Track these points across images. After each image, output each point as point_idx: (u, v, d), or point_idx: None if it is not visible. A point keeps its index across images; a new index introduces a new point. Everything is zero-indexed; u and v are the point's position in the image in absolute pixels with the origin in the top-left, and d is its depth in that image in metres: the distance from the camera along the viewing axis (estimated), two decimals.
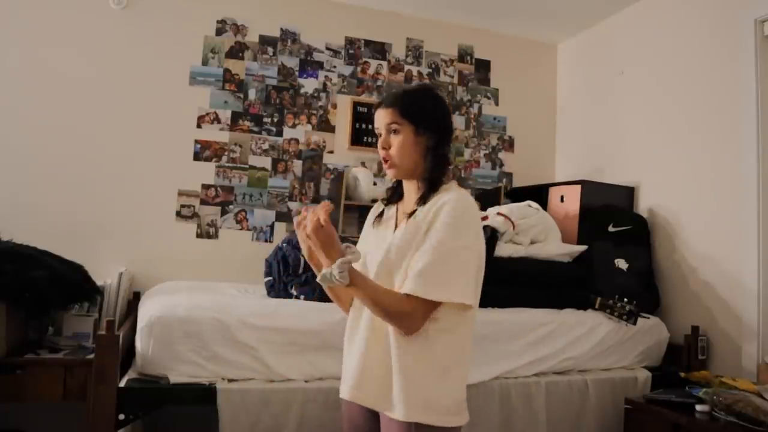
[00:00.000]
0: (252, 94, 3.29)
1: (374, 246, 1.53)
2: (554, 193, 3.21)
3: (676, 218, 2.91)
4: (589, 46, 3.67)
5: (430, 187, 1.46)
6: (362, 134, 3.45)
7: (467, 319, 1.43)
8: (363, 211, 3.37)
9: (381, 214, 1.60)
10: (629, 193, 3.16)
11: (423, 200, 1.45)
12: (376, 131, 1.51)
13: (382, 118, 1.48)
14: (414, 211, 1.45)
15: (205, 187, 3.18)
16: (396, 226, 1.51)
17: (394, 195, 1.59)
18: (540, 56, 3.93)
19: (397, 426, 1.37)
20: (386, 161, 1.48)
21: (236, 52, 3.29)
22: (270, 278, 2.54)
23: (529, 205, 2.98)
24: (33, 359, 2.06)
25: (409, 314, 1.35)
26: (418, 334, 1.37)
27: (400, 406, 1.36)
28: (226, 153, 3.22)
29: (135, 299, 2.81)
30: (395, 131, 1.46)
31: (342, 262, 1.28)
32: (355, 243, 1.46)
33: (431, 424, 1.36)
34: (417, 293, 1.33)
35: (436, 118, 1.48)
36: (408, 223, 1.45)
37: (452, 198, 1.40)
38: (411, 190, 1.52)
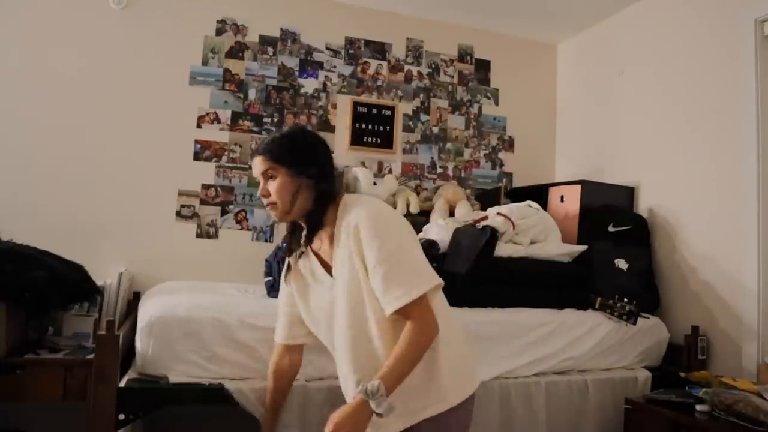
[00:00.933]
0: (252, 94, 3.29)
1: (319, 296, 1.59)
2: (554, 193, 3.21)
3: (676, 218, 2.91)
4: (589, 46, 3.67)
5: (315, 227, 1.53)
6: (362, 134, 3.45)
7: (435, 300, 1.49)
8: None
9: (289, 268, 1.65)
10: (629, 193, 3.16)
11: (310, 236, 1.54)
12: (257, 178, 1.56)
13: (257, 167, 1.54)
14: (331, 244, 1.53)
15: (205, 187, 3.18)
16: (331, 272, 1.56)
17: (296, 243, 1.62)
18: (540, 56, 3.93)
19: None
20: (269, 206, 1.54)
21: (236, 52, 3.29)
22: (270, 278, 2.54)
23: (529, 205, 2.98)
24: (33, 359, 2.05)
25: (420, 327, 1.39)
26: (389, 340, 1.43)
27: (412, 413, 1.46)
28: (226, 153, 3.22)
29: (135, 299, 2.81)
30: (272, 177, 1.51)
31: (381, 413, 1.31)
32: None
33: (444, 409, 1.45)
34: (404, 302, 1.38)
35: (308, 159, 1.52)
36: (337, 263, 1.50)
37: (357, 214, 1.45)
38: (319, 235, 1.58)
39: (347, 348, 1.52)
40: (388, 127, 3.50)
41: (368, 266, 1.42)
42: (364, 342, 1.49)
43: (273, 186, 1.51)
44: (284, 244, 1.66)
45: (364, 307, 1.47)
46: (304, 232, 1.59)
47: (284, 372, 1.79)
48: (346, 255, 1.47)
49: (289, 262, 1.65)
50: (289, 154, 1.51)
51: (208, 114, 3.21)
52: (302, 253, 1.62)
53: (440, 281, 1.43)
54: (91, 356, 1.97)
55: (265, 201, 1.54)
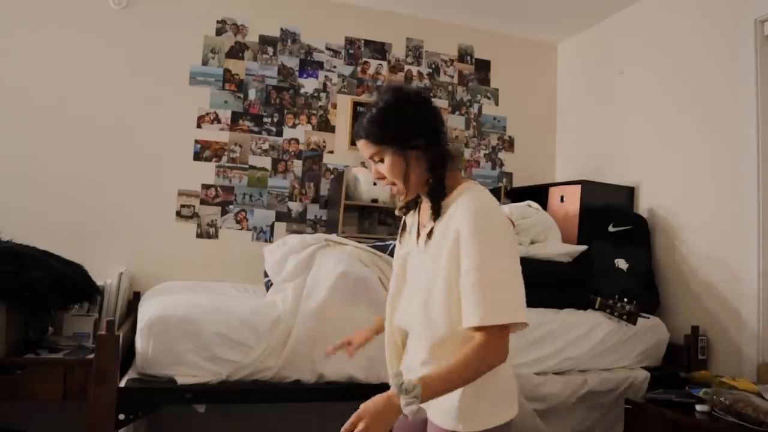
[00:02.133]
0: (252, 94, 3.29)
1: (399, 258, 1.52)
2: (554, 193, 3.21)
3: (676, 218, 2.91)
4: (589, 46, 3.67)
5: (437, 198, 1.38)
6: None
7: None
8: (363, 211, 3.37)
9: (404, 227, 1.56)
10: (629, 193, 3.16)
11: (436, 214, 1.38)
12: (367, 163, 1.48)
13: (363, 151, 1.43)
14: (431, 230, 1.39)
15: (205, 187, 3.18)
16: (418, 237, 1.46)
17: (409, 203, 1.52)
18: (540, 56, 3.93)
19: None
20: (389, 188, 1.44)
21: (236, 52, 3.29)
22: (269, 279, 2.54)
23: (529, 205, 2.98)
24: (33, 359, 2.05)
25: (490, 350, 1.29)
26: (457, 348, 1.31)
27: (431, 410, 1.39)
28: (226, 153, 3.22)
29: (135, 299, 2.81)
30: (379, 160, 1.40)
31: (406, 406, 1.18)
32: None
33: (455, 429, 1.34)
34: (488, 322, 1.27)
35: (409, 128, 1.38)
36: (428, 244, 1.39)
37: (467, 205, 1.32)
38: (425, 201, 1.47)
39: (405, 307, 1.46)
40: None
41: (462, 268, 1.30)
42: (425, 322, 1.39)
43: (384, 167, 1.40)
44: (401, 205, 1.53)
45: (434, 297, 1.37)
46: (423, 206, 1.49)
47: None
48: (436, 244, 1.37)
49: (404, 219, 1.56)
50: (390, 132, 1.38)
51: (208, 114, 3.21)
52: (409, 211, 1.54)
53: (527, 321, 1.32)
54: (91, 356, 1.97)
55: (383, 182, 1.43)
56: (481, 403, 1.35)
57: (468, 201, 1.33)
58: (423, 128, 1.40)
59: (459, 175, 1.43)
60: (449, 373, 1.24)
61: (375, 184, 3.23)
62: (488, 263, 1.29)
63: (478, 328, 1.28)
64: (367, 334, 1.67)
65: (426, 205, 1.45)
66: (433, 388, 1.21)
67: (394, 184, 1.41)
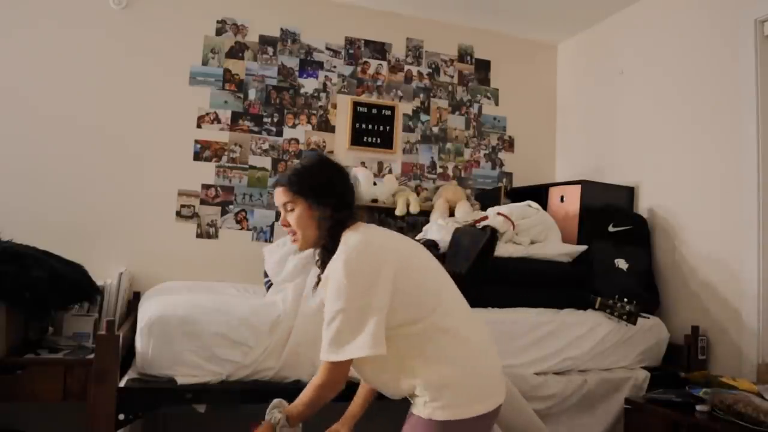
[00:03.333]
0: (252, 94, 3.29)
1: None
2: (554, 193, 3.21)
3: (676, 218, 2.91)
4: (589, 46, 3.67)
5: (329, 254, 1.52)
6: (362, 134, 3.44)
7: (426, 326, 1.48)
8: (363, 211, 3.37)
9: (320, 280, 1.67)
10: (629, 193, 3.16)
11: (324, 265, 1.55)
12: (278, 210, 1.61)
13: (277, 198, 1.60)
14: (318, 281, 1.59)
15: (205, 187, 3.18)
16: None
17: (324, 259, 1.62)
18: (540, 56, 3.93)
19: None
20: (291, 236, 1.60)
21: (236, 52, 3.29)
22: (269, 279, 2.54)
23: (529, 205, 2.98)
24: (33, 359, 2.05)
25: (328, 382, 1.48)
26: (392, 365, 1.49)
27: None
28: (226, 153, 3.22)
29: (135, 299, 2.81)
30: (290, 209, 1.57)
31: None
32: None
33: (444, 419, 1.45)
34: (328, 359, 1.44)
35: (326, 191, 1.55)
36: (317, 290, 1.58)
37: (338, 256, 1.46)
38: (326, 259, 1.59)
39: None
40: (388, 127, 3.50)
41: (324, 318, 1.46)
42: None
43: (292, 217, 1.56)
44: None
45: None
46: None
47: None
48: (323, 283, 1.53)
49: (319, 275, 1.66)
50: (308, 186, 1.55)
51: (208, 114, 3.21)
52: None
53: (361, 354, 1.40)
54: (91, 356, 1.97)
55: (285, 229, 1.60)
56: (451, 397, 1.46)
57: (338, 254, 1.47)
58: (335, 191, 1.57)
59: (357, 224, 1.56)
60: (303, 403, 1.51)
61: (375, 184, 3.23)
62: (332, 305, 1.44)
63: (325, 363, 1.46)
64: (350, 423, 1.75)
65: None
66: (295, 415, 1.51)
67: (295, 233, 1.57)
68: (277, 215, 3.25)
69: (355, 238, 1.49)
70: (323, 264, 1.57)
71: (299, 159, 1.51)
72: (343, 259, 1.45)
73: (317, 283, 1.61)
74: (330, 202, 1.54)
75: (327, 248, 1.55)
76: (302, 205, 1.55)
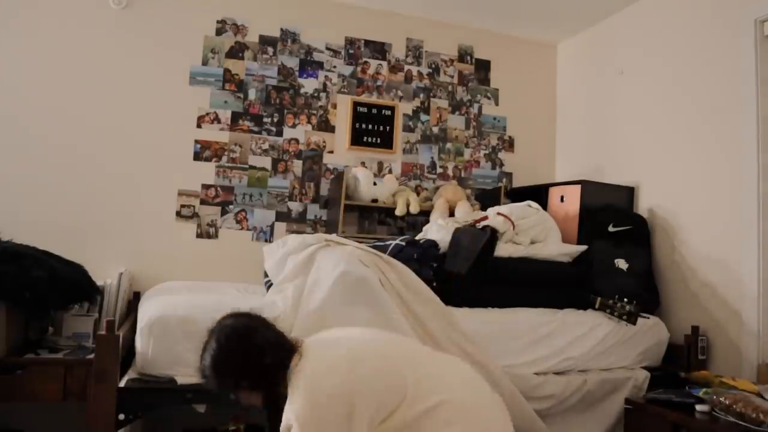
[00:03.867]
0: (252, 94, 3.29)
1: None
2: (554, 193, 3.21)
3: (676, 218, 2.91)
4: (589, 46, 3.67)
5: (277, 411, 1.51)
6: (362, 134, 3.44)
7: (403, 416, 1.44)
8: (363, 211, 3.37)
9: None
10: (629, 193, 3.16)
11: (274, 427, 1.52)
12: None
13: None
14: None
15: (205, 187, 3.18)
16: None
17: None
18: (540, 56, 3.93)
19: None
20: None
21: (236, 52, 3.29)
22: (269, 279, 2.54)
23: (529, 205, 2.98)
24: (33, 359, 2.06)
25: None
26: None
27: None
28: (226, 153, 3.22)
29: (135, 299, 2.81)
30: (236, 399, 1.57)
31: None
32: None
33: None
34: None
35: (235, 374, 1.53)
36: None
37: (293, 405, 1.43)
38: None
39: None
40: (388, 127, 3.50)
41: None
42: None
43: (241, 398, 1.57)
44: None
45: None
46: None
47: None
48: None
49: None
50: (222, 382, 1.54)
51: (208, 114, 3.21)
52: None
53: None
54: (91, 356, 1.97)
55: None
56: None
57: (292, 397, 1.45)
58: (243, 373, 1.53)
59: (294, 360, 1.52)
60: None
61: (375, 184, 3.23)
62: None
63: None
64: None
65: None
66: None
67: (254, 407, 1.57)
68: (279, 216, 3.27)
69: (307, 389, 1.44)
70: (273, 404, 1.55)
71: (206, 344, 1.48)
72: (299, 393, 1.43)
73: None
74: (246, 384, 1.53)
75: (278, 398, 1.52)
76: (239, 390, 1.55)
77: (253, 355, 1.53)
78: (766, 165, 2.50)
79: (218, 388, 1.56)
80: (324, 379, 1.45)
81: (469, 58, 3.77)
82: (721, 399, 2.03)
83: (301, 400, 1.42)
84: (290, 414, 1.43)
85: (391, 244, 2.53)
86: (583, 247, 2.82)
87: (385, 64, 3.57)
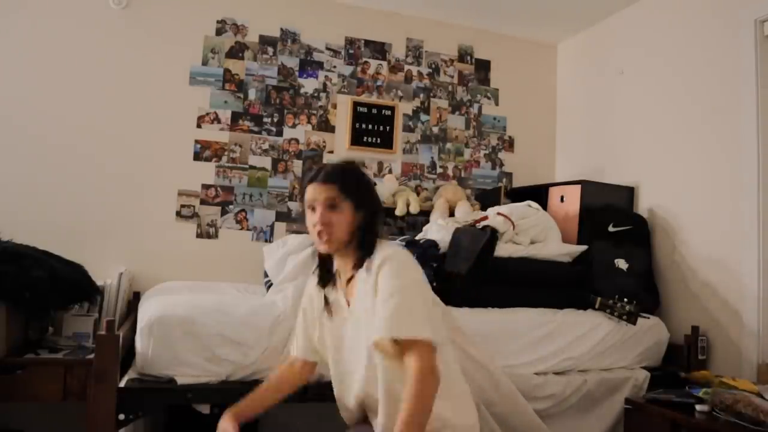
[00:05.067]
0: (252, 94, 3.29)
1: (335, 327, 1.60)
2: (554, 193, 3.21)
3: (676, 218, 2.91)
4: (589, 46, 3.67)
5: (364, 257, 1.53)
6: (362, 134, 3.44)
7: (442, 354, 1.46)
8: None
9: (327, 300, 1.64)
10: (629, 193, 3.16)
11: (360, 266, 1.53)
12: (308, 204, 1.54)
13: (320, 193, 1.51)
14: (352, 277, 1.55)
15: (205, 187, 3.18)
16: (348, 302, 1.58)
17: (327, 276, 1.64)
18: (540, 56, 3.93)
19: None
20: (323, 235, 1.50)
21: (236, 52, 3.29)
22: (269, 279, 2.54)
23: (529, 205, 2.98)
24: (33, 359, 2.06)
25: (428, 373, 1.35)
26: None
27: None
28: (226, 153, 3.22)
29: (135, 299, 2.81)
30: (334, 207, 1.51)
31: None
32: None
33: None
34: (412, 335, 1.37)
35: (370, 197, 1.58)
36: (363, 290, 1.51)
37: (386, 255, 1.48)
38: (345, 261, 1.58)
39: (357, 378, 1.53)
40: (388, 127, 3.50)
41: (381, 298, 1.42)
42: (373, 375, 1.49)
43: (333, 215, 1.50)
44: (318, 280, 1.66)
45: (378, 349, 1.46)
46: (335, 265, 1.62)
47: (287, 379, 1.71)
48: (368, 290, 1.49)
49: (323, 293, 1.64)
50: (356, 189, 1.54)
51: (208, 114, 3.21)
52: (331, 283, 1.64)
53: (440, 342, 1.41)
54: (91, 356, 1.97)
55: (318, 227, 1.51)
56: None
57: (385, 255, 1.49)
58: (374, 201, 1.60)
59: (381, 241, 1.58)
60: (415, 412, 1.29)
61: (375, 184, 3.22)
62: (404, 288, 1.43)
63: (403, 343, 1.38)
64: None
65: (346, 268, 1.58)
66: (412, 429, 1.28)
67: (330, 233, 1.50)
68: (279, 216, 3.26)
69: (399, 249, 1.53)
70: (359, 262, 1.53)
71: (324, 162, 1.45)
72: (399, 259, 1.48)
73: (328, 307, 1.60)
74: (370, 209, 1.55)
75: (363, 254, 1.53)
76: (347, 205, 1.52)
77: (376, 195, 1.63)
78: (766, 165, 2.50)
79: (332, 180, 1.52)
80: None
81: (469, 58, 3.77)
82: (721, 399, 2.03)
83: (403, 264, 1.48)
84: (389, 281, 1.43)
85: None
86: (583, 247, 2.82)
87: (385, 64, 3.57)
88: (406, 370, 1.35)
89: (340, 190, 1.51)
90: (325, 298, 1.63)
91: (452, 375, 1.55)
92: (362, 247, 1.53)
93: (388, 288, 1.42)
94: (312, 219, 1.52)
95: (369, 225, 1.54)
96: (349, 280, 1.56)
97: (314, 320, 1.67)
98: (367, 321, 1.47)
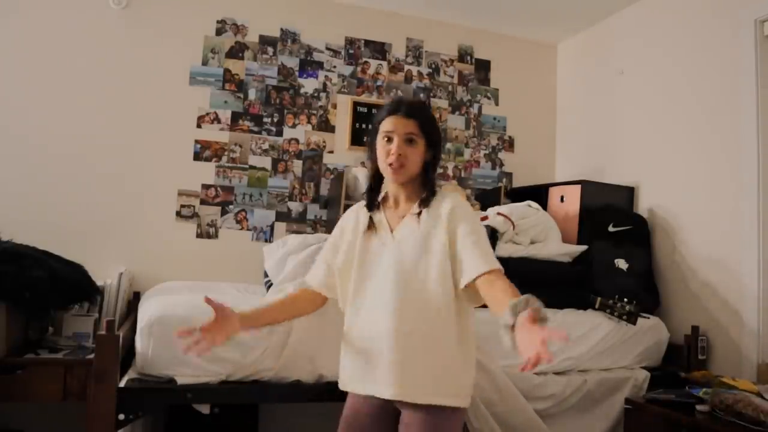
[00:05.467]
0: (252, 94, 3.29)
1: (370, 249, 1.67)
2: (554, 193, 3.21)
3: (676, 218, 2.91)
4: (589, 46, 3.67)
5: (431, 193, 1.64)
6: (362, 134, 3.45)
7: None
8: None
9: (370, 221, 1.71)
10: (629, 193, 3.16)
11: (426, 203, 1.62)
12: (386, 134, 1.62)
13: (401, 126, 1.60)
14: (419, 212, 1.62)
15: (205, 187, 3.18)
16: (392, 229, 1.66)
17: (372, 203, 1.72)
18: (540, 56, 3.93)
19: (422, 411, 1.53)
20: (394, 165, 1.59)
21: (236, 52, 3.29)
22: (269, 279, 2.53)
23: (529, 205, 2.98)
24: (33, 359, 2.05)
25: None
26: (454, 322, 1.58)
27: (430, 392, 1.53)
28: (226, 153, 3.22)
29: (135, 299, 2.81)
30: (411, 141, 1.60)
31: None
32: None
33: (456, 405, 1.57)
34: (493, 266, 1.51)
35: (439, 139, 1.69)
36: (417, 222, 1.61)
37: (455, 203, 1.61)
38: (403, 193, 1.67)
39: (386, 310, 1.58)
40: None
41: (459, 236, 1.55)
42: (403, 306, 1.57)
43: (410, 150, 1.60)
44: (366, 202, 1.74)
45: (423, 274, 1.57)
46: (390, 194, 1.71)
47: (297, 304, 1.79)
48: (426, 222, 1.60)
49: (370, 215, 1.71)
50: (432, 129, 1.65)
51: (208, 114, 3.21)
52: (376, 208, 1.72)
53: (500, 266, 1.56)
54: (91, 356, 1.97)
55: (393, 158, 1.59)
56: (458, 378, 1.61)
57: (454, 201, 1.63)
58: (440, 142, 1.70)
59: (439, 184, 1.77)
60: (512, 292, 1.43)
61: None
62: (478, 232, 1.59)
63: (491, 271, 1.50)
64: (230, 328, 1.65)
65: (399, 202, 1.68)
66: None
67: (403, 164, 1.59)
68: (279, 216, 3.26)
69: (460, 197, 1.67)
70: (425, 200, 1.63)
71: (407, 96, 1.61)
72: (467, 209, 1.63)
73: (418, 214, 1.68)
74: (437, 149, 1.66)
75: (428, 187, 1.64)
76: (421, 143, 1.62)
77: (440, 132, 1.76)
78: (766, 165, 2.50)
79: (413, 115, 1.61)
80: None
81: (469, 58, 3.77)
82: (721, 399, 2.03)
83: (472, 213, 1.62)
84: (469, 227, 1.56)
85: None
86: (583, 247, 2.82)
87: (385, 64, 3.57)
88: (493, 291, 1.48)
89: (419, 127, 1.61)
90: (371, 219, 1.70)
91: (471, 336, 1.68)
92: (425, 185, 1.65)
93: (470, 233, 1.55)
94: (386, 148, 1.61)
95: (434, 164, 1.66)
96: (398, 210, 1.67)
97: (342, 249, 1.73)
98: (410, 253, 1.58)
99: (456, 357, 1.59)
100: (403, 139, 1.59)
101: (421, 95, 3.61)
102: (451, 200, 1.62)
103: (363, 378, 1.61)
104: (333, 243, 1.78)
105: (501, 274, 1.50)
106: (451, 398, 1.56)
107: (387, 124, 1.62)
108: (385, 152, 1.61)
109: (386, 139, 1.61)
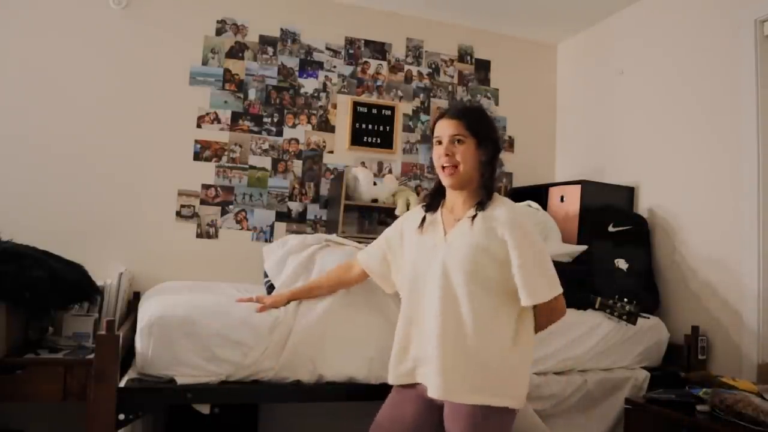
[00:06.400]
0: (252, 94, 3.30)
1: (423, 249, 1.74)
2: (554, 193, 3.21)
3: (676, 218, 2.91)
4: (589, 46, 3.67)
5: (488, 196, 1.68)
6: (362, 134, 3.45)
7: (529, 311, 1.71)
8: (363, 211, 3.37)
9: (423, 220, 1.78)
10: (629, 193, 3.16)
11: (482, 206, 1.67)
12: (436, 139, 1.69)
13: (447, 128, 1.67)
14: (474, 216, 1.66)
15: (205, 187, 3.18)
16: (445, 231, 1.71)
17: (435, 202, 1.78)
18: (540, 56, 3.93)
19: (467, 409, 1.58)
20: (447, 167, 1.66)
21: (236, 52, 3.29)
22: (269, 279, 2.53)
23: (529, 205, 2.98)
24: (33, 359, 2.05)
25: (558, 312, 1.75)
26: (504, 323, 1.64)
27: (476, 391, 1.58)
28: (226, 153, 3.22)
29: (135, 299, 2.81)
30: (459, 141, 1.65)
31: None
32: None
33: (504, 406, 1.60)
34: (554, 294, 1.65)
35: (493, 136, 1.71)
36: (470, 225, 1.65)
37: (514, 217, 1.63)
38: (459, 197, 1.72)
39: (436, 308, 1.65)
40: (388, 127, 3.50)
41: (515, 262, 1.60)
42: (451, 307, 1.64)
43: (459, 149, 1.65)
44: (426, 202, 1.82)
45: (472, 276, 1.62)
46: (448, 200, 1.76)
47: (344, 279, 2.04)
48: (479, 226, 1.63)
49: (425, 215, 1.79)
50: (481, 127, 1.68)
51: (208, 114, 3.21)
52: (433, 209, 1.79)
53: (560, 290, 1.68)
54: (91, 356, 1.97)
55: (444, 159, 1.66)
56: (506, 380, 1.64)
57: (513, 213, 1.65)
58: (497, 140, 1.73)
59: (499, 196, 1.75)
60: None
61: (375, 184, 3.22)
62: (537, 254, 1.63)
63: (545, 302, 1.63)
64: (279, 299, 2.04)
65: (455, 205, 1.73)
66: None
67: (455, 166, 1.65)
68: (279, 216, 3.26)
69: (518, 207, 1.73)
70: (482, 203, 1.67)
71: (457, 101, 1.71)
72: (523, 216, 1.66)
73: (421, 223, 1.77)
74: (492, 148, 1.69)
75: (487, 186, 1.68)
76: (472, 142, 1.65)
77: (499, 136, 1.77)
78: (766, 165, 2.50)
79: (458, 116, 1.67)
80: None
81: (469, 58, 3.77)
82: (721, 399, 2.03)
83: (532, 231, 1.65)
84: (530, 248, 1.61)
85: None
86: (583, 247, 2.82)
87: (385, 64, 3.57)
88: (545, 314, 1.72)
89: (465, 127, 1.65)
90: (424, 219, 1.76)
91: (528, 337, 1.72)
92: (483, 188, 1.68)
93: (519, 256, 1.59)
94: (438, 151, 1.68)
95: (490, 162, 1.69)
96: (453, 213, 1.72)
97: (397, 244, 1.85)
98: (459, 256, 1.63)
99: (508, 357, 1.62)
100: (450, 141, 1.65)
101: (421, 95, 3.61)
102: (508, 212, 1.64)
103: (411, 373, 1.71)
104: (389, 236, 1.90)
105: (557, 300, 1.66)
106: (498, 398, 1.59)
107: (436, 130, 1.69)
108: (437, 156, 1.68)
109: (438, 143, 1.68)
